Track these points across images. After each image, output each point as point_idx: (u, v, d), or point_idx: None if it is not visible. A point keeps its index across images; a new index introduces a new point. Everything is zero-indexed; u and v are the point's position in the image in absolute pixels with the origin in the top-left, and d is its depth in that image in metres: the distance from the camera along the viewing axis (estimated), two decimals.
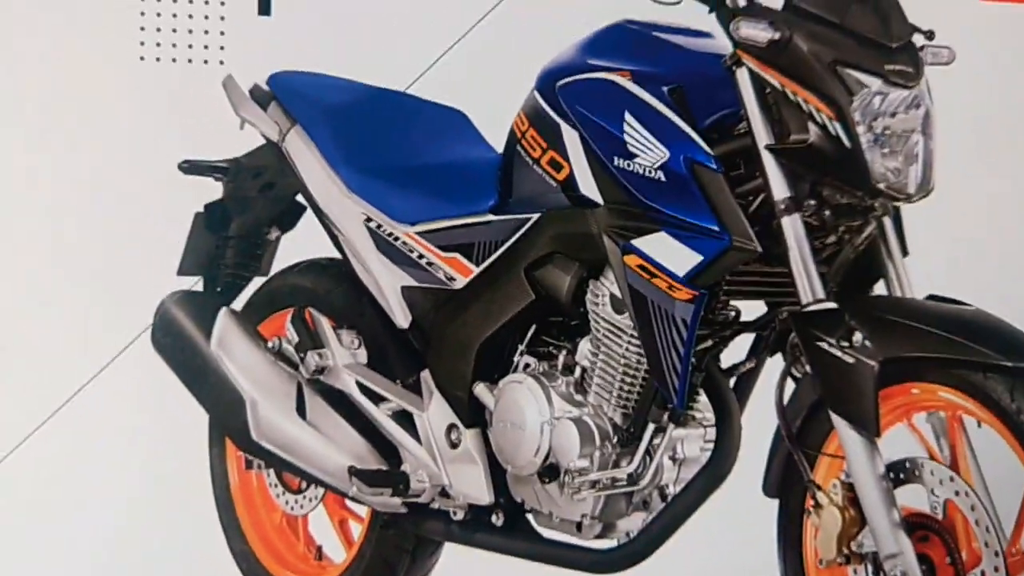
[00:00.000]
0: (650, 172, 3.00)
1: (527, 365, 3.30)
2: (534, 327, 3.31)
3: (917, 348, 2.77)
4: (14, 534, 4.23)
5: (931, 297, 2.91)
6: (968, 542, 2.80)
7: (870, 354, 2.77)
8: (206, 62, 4.25)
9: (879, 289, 3.02)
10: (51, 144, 4.30)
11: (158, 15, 4.25)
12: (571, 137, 3.14)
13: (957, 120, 3.07)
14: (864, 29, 2.86)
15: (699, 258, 2.94)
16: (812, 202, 2.92)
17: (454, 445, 3.38)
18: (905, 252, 3.01)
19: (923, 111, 2.87)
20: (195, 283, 3.83)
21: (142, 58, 4.26)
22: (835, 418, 2.83)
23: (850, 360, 2.79)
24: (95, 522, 4.22)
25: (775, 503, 3.06)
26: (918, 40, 2.91)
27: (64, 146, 4.30)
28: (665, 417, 3.10)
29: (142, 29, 4.25)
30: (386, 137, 3.61)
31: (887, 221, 2.98)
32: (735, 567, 3.72)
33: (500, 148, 3.37)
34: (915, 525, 2.83)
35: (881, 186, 2.85)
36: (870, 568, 2.86)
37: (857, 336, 2.79)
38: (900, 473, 2.85)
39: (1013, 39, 4.18)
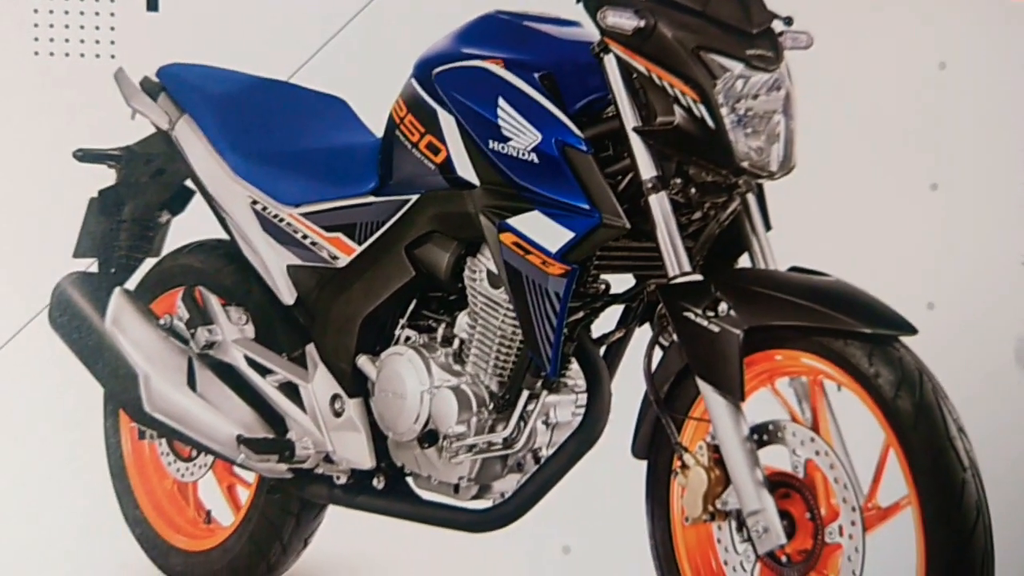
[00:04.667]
0: (523, 154, 2.85)
1: (408, 338, 3.16)
2: (414, 302, 3.17)
3: (780, 317, 2.62)
4: None
5: (793, 269, 2.77)
6: (827, 498, 2.66)
7: (735, 323, 2.62)
8: (98, 56, 4.13)
9: (744, 262, 2.88)
10: None
11: (51, 12, 4.13)
12: (448, 122, 2.99)
13: (816, 101, 2.92)
14: (725, 16, 2.71)
15: (571, 235, 2.79)
16: (678, 180, 2.78)
17: (338, 414, 3.23)
18: (768, 227, 2.87)
19: (784, 93, 2.72)
20: (90, 265, 3.66)
21: (36, 53, 4.13)
22: (702, 384, 2.68)
23: (716, 329, 2.63)
24: None
25: (643, 465, 2.90)
26: (778, 26, 2.76)
27: None
28: (539, 384, 2.98)
29: (36, 25, 4.12)
30: (270, 124, 3.45)
31: (751, 198, 2.84)
32: (605, 526, 3.59)
33: (380, 133, 3.21)
34: (777, 483, 2.68)
35: (745, 164, 2.70)
36: (734, 524, 2.71)
37: (722, 306, 2.64)
38: (763, 435, 2.71)
39: (871, 23, 4.09)
